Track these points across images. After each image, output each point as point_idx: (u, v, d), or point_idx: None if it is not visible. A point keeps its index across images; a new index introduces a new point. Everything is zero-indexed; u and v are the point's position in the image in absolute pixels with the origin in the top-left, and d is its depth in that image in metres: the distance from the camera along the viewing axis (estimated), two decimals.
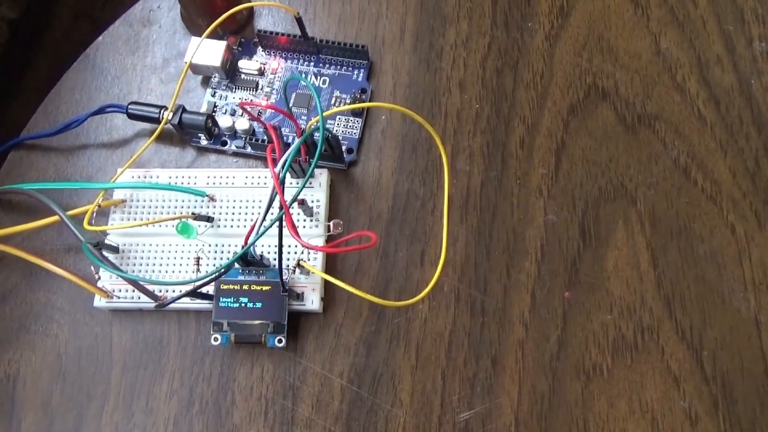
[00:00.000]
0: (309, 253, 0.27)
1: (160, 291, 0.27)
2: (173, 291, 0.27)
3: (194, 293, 0.24)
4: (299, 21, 0.29)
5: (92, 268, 0.27)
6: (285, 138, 0.30)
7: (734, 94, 0.30)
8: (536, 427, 0.25)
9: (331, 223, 0.25)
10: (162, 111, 0.30)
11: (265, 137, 0.29)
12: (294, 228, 0.22)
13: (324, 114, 0.23)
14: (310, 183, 0.28)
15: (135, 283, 0.25)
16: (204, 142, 0.30)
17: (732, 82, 0.30)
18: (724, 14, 0.31)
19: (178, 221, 0.25)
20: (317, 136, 0.24)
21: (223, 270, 0.23)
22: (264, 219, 0.23)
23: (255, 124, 0.30)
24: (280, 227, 0.23)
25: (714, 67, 0.30)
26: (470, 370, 0.26)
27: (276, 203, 0.23)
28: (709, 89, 0.30)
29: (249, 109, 0.27)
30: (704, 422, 0.25)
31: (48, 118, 0.32)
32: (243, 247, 0.24)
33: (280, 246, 0.23)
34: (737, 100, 0.29)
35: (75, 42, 0.50)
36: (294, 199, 0.22)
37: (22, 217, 0.30)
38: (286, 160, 0.22)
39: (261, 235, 0.22)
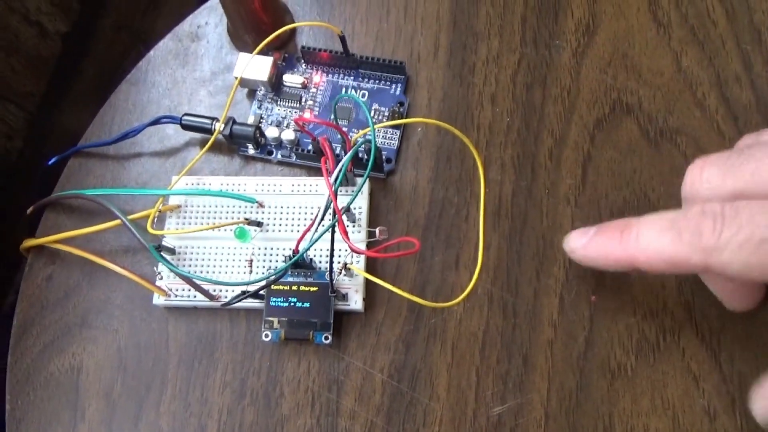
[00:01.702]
0: (353, 256, 0.29)
1: (214, 291, 0.29)
2: (228, 291, 0.29)
3: (253, 294, 0.26)
4: (342, 39, 0.32)
5: (154, 268, 0.29)
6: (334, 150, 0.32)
7: (752, 111, 0.31)
8: (564, 421, 0.27)
9: (377, 230, 0.27)
10: (214, 122, 0.32)
11: (311, 148, 0.31)
12: (346, 234, 0.24)
13: (374, 127, 0.25)
14: (350, 191, 0.30)
15: (195, 284, 0.27)
16: (251, 151, 0.32)
17: (750, 99, 0.32)
18: (742, 34, 0.33)
19: (235, 226, 0.27)
20: (364, 147, 0.26)
21: (280, 273, 0.25)
22: (319, 225, 0.25)
23: (300, 135, 0.32)
24: (333, 233, 0.25)
25: (732, 84, 0.32)
26: (503, 368, 0.28)
27: (328, 211, 0.25)
28: (728, 105, 0.32)
29: (300, 123, 0.29)
30: (722, 419, 0.27)
31: (103, 128, 0.34)
32: (294, 251, 0.26)
33: (332, 250, 0.25)
34: (754, 116, 0.31)
35: (117, 52, 0.52)
36: (347, 208, 0.24)
37: (80, 220, 0.32)
38: (340, 171, 0.24)
39: (316, 241, 0.24)
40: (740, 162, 0.22)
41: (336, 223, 0.24)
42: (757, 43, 0.33)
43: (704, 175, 0.23)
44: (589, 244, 0.25)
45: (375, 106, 0.33)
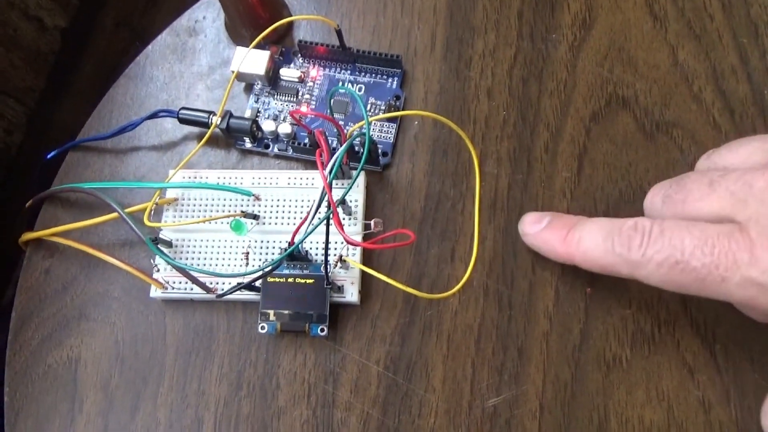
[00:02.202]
0: (349, 248, 0.29)
1: (211, 283, 0.29)
2: (224, 283, 0.29)
3: (248, 286, 0.26)
4: (339, 33, 0.32)
5: (151, 260, 0.29)
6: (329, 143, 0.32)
7: (748, 104, 0.31)
8: (559, 413, 0.27)
9: (372, 222, 0.27)
10: (211, 116, 0.32)
11: (307, 141, 0.31)
12: (341, 226, 0.24)
13: (369, 120, 0.25)
14: (346, 184, 0.30)
15: (191, 276, 0.27)
16: (248, 145, 0.33)
17: (746, 93, 0.32)
18: (739, 27, 0.33)
19: (231, 219, 0.27)
20: (357, 140, 0.26)
21: (276, 264, 0.25)
22: (313, 218, 0.25)
23: (297, 128, 0.32)
24: (327, 225, 0.25)
25: (729, 77, 0.32)
26: (498, 360, 0.28)
27: (323, 203, 0.25)
28: (724, 99, 0.32)
29: (296, 116, 0.29)
30: (717, 410, 0.27)
31: (102, 122, 0.35)
32: (290, 244, 0.26)
33: (327, 242, 0.25)
34: (751, 109, 0.31)
35: (116, 48, 0.52)
36: (341, 200, 0.24)
37: (78, 214, 0.33)
38: (334, 164, 0.24)
39: (311, 233, 0.25)
40: (674, 191, 0.24)
41: (331, 215, 0.24)
42: (754, 37, 0.33)
43: (651, 201, 0.26)
44: (539, 234, 0.28)
45: (372, 99, 0.33)
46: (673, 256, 0.21)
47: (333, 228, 0.25)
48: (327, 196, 0.24)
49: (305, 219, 0.25)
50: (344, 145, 0.25)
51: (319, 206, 0.25)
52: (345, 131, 0.29)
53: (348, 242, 0.24)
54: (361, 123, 0.26)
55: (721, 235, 0.21)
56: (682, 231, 0.22)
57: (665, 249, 0.22)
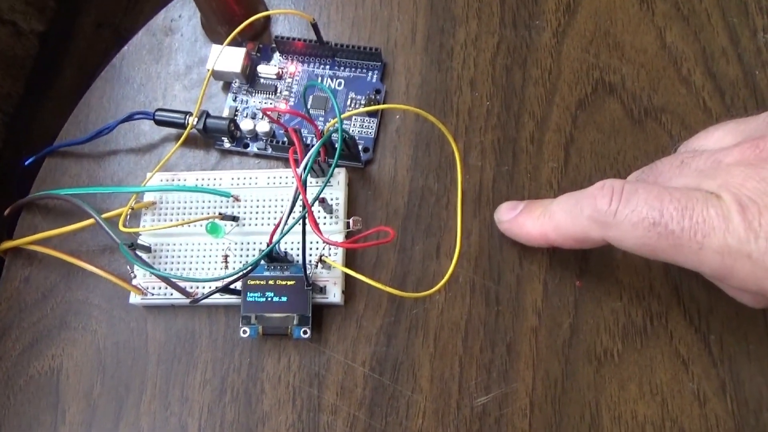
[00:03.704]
0: (330, 248, 0.28)
1: (191, 287, 0.28)
2: (204, 287, 0.28)
3: (225, 289, 0.26)
4: (315, 27, 0.31)
5: (128, 267, 0.29)
6: (304, 140, 0.31)
7: (739, 86, 0.30)
8: (550, 410, 0.26)
9: (350, 220, 0.26)
10: (187, 117, 0.31)
11: (286, 139, 0.30)
12: (316, 226, 0.23)
13: (342, 116, 0.24)
14: (329, 182, 0.30)
15: (168, 281, 0.26)
16: (227, 144, 0.32)
17: (737, 74, 0.31)
18: (729, 7, 0.32)
19: (207, 221, 0.27)
20: (335, 137, 0.25)
21: (250, 267, 0.25)
22: (288, 218, 0.24)
23: (275, 126, 0.31)
24: (304, 225, 0.24)
25: (719, 59, 0.31)
26: (486, 357, 0.27)
27: (299, 202, 0.24)
28: (715, 81, 0.31)
29: (270, 114, 0.28)
30: (713, 403, 0.26)
31: (79, 126, 0.34)
32: (268, 245, 0.26)
33: (304, 243, 0.25)
34: (742, 91, 0.30)
35: (98, 50, 0.52)
36: (316, 199, 0.23)
37: (58, 220, 0.32)
38: (307, 162, 0.24)
39: (286, 234, 0.24)
40: (646, 175, 0.24)
41: (306, 215, 0.23)
42: (744, 16, 0.32)
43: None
44: (514, 220, 0.27)
45: (351, 94, 0.32)
46: (651, 216, 0.20)
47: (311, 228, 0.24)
48: (301, 195, 0.23)
49: (281, 219, 0.25)
50: (318, 143, 0.24)
51: (293, 206, 0.24)
52: (322, 128, 0.28)
53: (325, 242, 0.24)
54: (336, 120, 0.25)
55: (699, 200, 0.20)
56: (661, 192, 0.21)
57: (641, 208, 0.20)
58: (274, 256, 0.27)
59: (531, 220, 0.26)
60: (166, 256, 0.29)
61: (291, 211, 0.24)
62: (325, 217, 0.29)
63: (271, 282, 0.27)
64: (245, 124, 0.31)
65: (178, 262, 0.29)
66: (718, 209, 0.19)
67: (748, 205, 0.19)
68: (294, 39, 0.32)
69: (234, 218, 0.29)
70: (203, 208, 0.30)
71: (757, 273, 0.19)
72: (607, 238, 0.22)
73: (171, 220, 0.30)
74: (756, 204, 0.19)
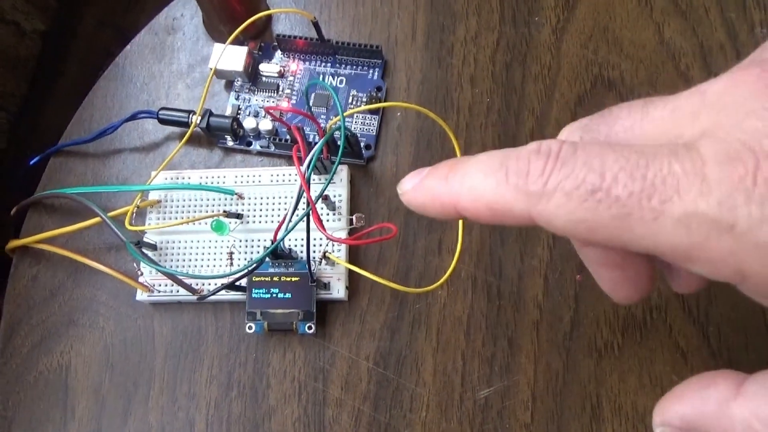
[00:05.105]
0: (333, 245, 0.29)
1: (197, 284, 0.29)
2: (209, 284, 0.28)
3: (230, 286, 0.26)
4: (316, 25, 0.31)
5: (134, 264, 0.29)
6: (307, 137, 0.31)
7: None
8: (552, 402, 0.27)
9: (353, 217, 0.26)
10: (190, 115, 0.31)
11: (288, 137, 0.31)
12: (320, 222, 0.24)
13: (344, 114, 0.25)
14: (332, 179, 0.30)
15: (174, 278, 0.27)
16: (230, 143, 0.32)
17: None
18: (726, 2, 0.32)
19: (212, 219, 0.27)
20: (338, 134, 0.25)
21: (256, 264, 0.25)
22: (292, 215, 0.24)
23: (278, 124, 0.32)
24: (308, 222, 0.25)
25: (717, 54, 0.31)
26: (488, 351, 0.28)
27: (303, 200, 0.24)
28: (713, 76, 0.31)
29: (273, 112, 0.29)
30: None
31: (83, 126, 0.34)
32: (272, 242, 0.26)
33: (308, 240, 0.25)
34: None
35: (100, 49, 0.52)
36: (320, 196, 0.24)
37: (64, 219, 0.32)
38: (311, 160, 0.24)
39: (290, 231, 0.24)
40: (595, 122, 0.18)
41: (310, 212, 0.24)
42: (742, 11, 0.32)
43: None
44: (420, 185, 0.19)
45: (353, 92, 0.32)
46: (589, 181, 0.15)
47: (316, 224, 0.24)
48: (305, 192, 0.23)
49: (285, 217, 0.25)
50: (321, 141, 0.25)
51: (297, 203, 0.24)
52: (324, 125, 0.28)
53: (329, 238, 0.24)
54: (338, 118, 0.25)
55: (659, 154, 0.14)
56: (605, 149, 0.15)
57: (578, 172, 0.15)
58: (278, 253, 0.27)
59: (440, 183, 0.18)
60: (172, 254, 0.30)
61: (295, 209, 0.24)
62: (328, 214, 0.29)
63: (275, 278, 0.28)
64: (248, 123, 0.32)
65: (184, 260, 0.30)
66: (687, 163, 0.14)
67: (739, 154, 0.13)
68: (295, 37, 0.32)
69: (238, 216, 0.29)
70: (207, 206, 0.30)
71: (739, 253, 0.13)
72: (534, 215, 0.16)
73: (176, 218, 0.30)
74: (752, 153, 0.13)
